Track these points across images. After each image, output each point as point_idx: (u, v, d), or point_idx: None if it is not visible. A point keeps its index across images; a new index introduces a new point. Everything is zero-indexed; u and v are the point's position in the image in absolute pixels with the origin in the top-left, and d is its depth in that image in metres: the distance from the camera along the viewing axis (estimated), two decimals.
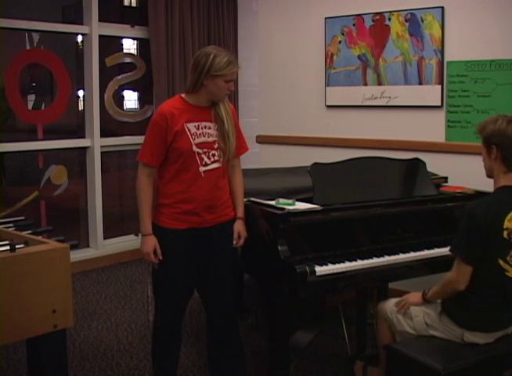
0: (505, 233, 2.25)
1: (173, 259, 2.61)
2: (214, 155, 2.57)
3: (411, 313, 2.50)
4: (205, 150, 2.55)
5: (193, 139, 2.53)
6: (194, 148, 2.52)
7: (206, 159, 2.55)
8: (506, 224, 2.25)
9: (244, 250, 2.82)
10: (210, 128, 2.58)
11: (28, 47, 5.03)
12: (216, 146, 2.57)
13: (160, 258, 2.58)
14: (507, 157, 2.28)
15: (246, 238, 2.72)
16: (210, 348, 2.82)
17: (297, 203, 2.75)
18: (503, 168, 2.30)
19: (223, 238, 2.67)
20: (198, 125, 2.55)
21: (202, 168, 2.55)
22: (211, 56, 2.49)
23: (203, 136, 2.55)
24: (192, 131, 2.53)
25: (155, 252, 2.57)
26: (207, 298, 2.76)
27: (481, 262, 2.28)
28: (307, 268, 2.49)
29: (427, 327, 2.45)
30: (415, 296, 2.55)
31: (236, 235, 2.69)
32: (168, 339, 2.74)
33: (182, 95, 2.62)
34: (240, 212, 2.72)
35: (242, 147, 2.75)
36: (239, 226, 2.70)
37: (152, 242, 2.57)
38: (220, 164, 2.59)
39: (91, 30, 4.77)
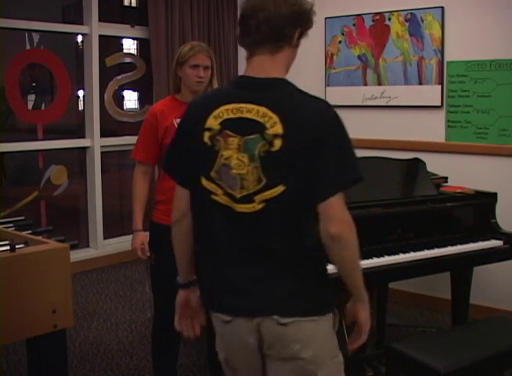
0: (206, 136, 1.60)
1: (168, 256, 2.62)
2: None
3: None
4: None
5: None
6: None
7: None
8: (210, 122, 1.60)
9: None
10: None
11: (28, 47, 5.03)
12: None
13: (148, 254, 2.61)
14: (241, 41, 1.70)
15: None
16: (211, 349, 2.82)
17: None
18: (247, 54, 1.70)
19: None
20: None
21: None
22: (180, 49, 2.63)
23: None
24: None
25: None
26: None
27: (191, 184, 1.66)
28: None
29: None
30: None
31: None
32: (167, 337, 2.75)
33: (175, 95, 2.69)
34: None
35: None
36: None
37: (140, 238, 2.60)
38: None
39: (91, 30, 4.77)
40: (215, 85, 2.65)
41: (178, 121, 2.56)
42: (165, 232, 2.60)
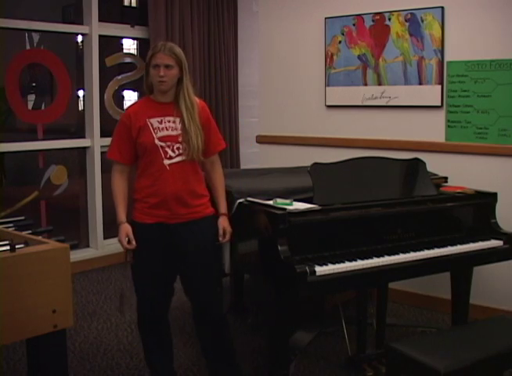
0: None
1: (143, 253, 2.64)
2: (178, 148, 2.59)
3: None
4: (168, 143, 2.58)
5: (155, 133, 2.58)
6: (156, 141, 2.57)
7: (170, 152, 2.58)
8: None
9: (244, 250, 2.82)
10: (174, 122, 2.61)
11: (28, 47, 5.03)
12: (180, 139, 2.59)
13: (134, 243, 2.60)
14: None
15: (231, 233, 2.71)
16: (203, 351, 2.83)
17: (294, 203, 2.75)
18: None
19: (198, 236, 2.64)
20: (161, 120, 2.60)
21: (166, 162, 2.58)
22: None
23: (166, 130, 2.59)
24: (154, 126, 2.59)
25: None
26: (191, 299, 2.77)
27: None
28: (307, 268, 2.49)
29: None
30: None
31: (220, 231, 2.69)
32: (151, 335, 2.77)
33: (149, 95, 2.69)
34: (223, 208, 2.73)
35: (218, 144, 2.77)
36: (223, 222, 2.70)
37: (123, 230, 2.62)
38: (185, 157, 2.60)
39: (91, 30, 4.77)
40: (188, 85, 2.61)
41: (152, 120, 2.58)
42: (143, 230, 2.62)
